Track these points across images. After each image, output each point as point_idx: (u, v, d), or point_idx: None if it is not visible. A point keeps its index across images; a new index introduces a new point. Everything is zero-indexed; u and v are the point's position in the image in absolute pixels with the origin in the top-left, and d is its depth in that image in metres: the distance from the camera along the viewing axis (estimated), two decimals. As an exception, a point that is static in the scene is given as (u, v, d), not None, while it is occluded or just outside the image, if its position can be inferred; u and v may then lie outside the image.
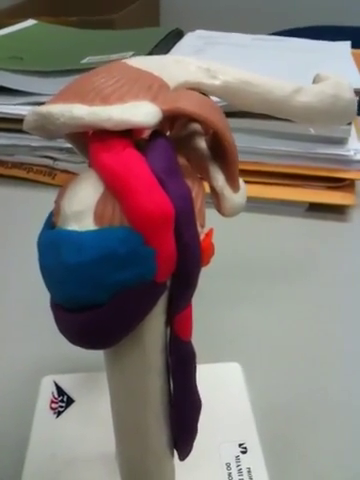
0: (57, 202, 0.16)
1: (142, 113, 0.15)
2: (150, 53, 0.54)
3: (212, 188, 0.17)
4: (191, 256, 0.15)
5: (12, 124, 0.49)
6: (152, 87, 0.16)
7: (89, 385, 0.28)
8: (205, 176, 0.18)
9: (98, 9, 1.28)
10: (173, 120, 0.19)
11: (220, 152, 0.17)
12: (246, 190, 0.18)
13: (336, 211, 0.44)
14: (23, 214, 0.46)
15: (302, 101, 0.20)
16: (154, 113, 0.15)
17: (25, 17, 0.72)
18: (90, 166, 0.16)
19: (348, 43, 0.60)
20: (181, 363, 0.17)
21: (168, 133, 0.19)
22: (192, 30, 0.66)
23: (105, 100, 0.15)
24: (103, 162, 0.14)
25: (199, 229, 0.16)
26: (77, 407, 0.27)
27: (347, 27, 0.99)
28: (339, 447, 0.26)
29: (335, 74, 0.23)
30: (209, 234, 0.16)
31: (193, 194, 0.16)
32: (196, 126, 0.18)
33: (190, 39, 0.63)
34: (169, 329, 0.17)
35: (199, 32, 0.65)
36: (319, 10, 1.42)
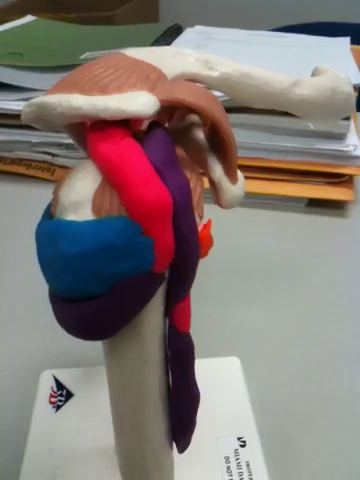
0: (55, 193, 0.16)
1: (139, 103, 0.15)
2: (149, 49, 0.53)
3: (210, 179, 0.17)
4: (189, 247, 0.15)
5: (11, 120, 0.49)
6: (150, 77, 0.16)
7: (88, 379, 0.28)
8: (203, 167, 0.17)
9: (97, 5, 1.28)
10: (171, 111, 0.19)
11: (218, 143, 0.17)
12: (244, 182, 0.18)
13: (335, 206, 0.44)
14: (22, 210, 0.46)
15: (300, 94, 0.20)
16: (151, 103, 0.15)
17: (24, 14, 0.72)
18: (88, 157, 0.16)
19: (347, 39, 0.60)
20: (179, 355, 0.17)
21: (166, 124, 0.19)
22: (191, 26, 0.66)
23: (103, 90, 0.15)
24: (101, 152, 0.14)
25: (197, 220, 0.16)
26: (76, 401, 0.27)
27: (346, 24, 0.99)
28: (337, 441, 0.26)
29: (334, 67, 0.23)
30: (207, 225, 0.16)
31: (191, 185, 0.16)
32: (194, 117, 0.18)
33: (189, 35, 0.62)
34: (167, 321, 0.17)
35: (198, 28, 0.65)
36: (318, 7, 1.42)
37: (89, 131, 0.15)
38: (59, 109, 0.15)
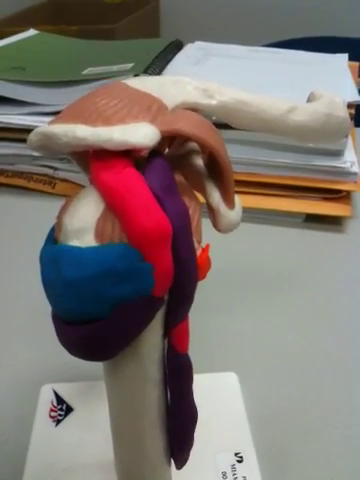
0: (59, 218, 0.16)
1: (141, 134, 0.15)
2: (151, 64, 0.54)
3: (208, 204, 0.18)
4: (187, 272, 0.16)
5: (13, 134, 0.49)
6: (151, 108, 0.16)
7: (88, 394, 0.29)
8: (202, 193, 0.18)
9: (99, 18, 1.30)
10: (171, 138, 0.19)
11: (216, 170, 0.17)
12: (241, 207, 0.18)
13: (332, 222, 0.45)
14: (24, 223, 0.46)
15: (296, 120, 0.20)
16: (153, 134, 0.15)
17: (26, 26, 0.73)
18: (91, 183, 0.16)
19: (345, 56, 0.61)
20: (178, 374, 0.18)
21: (167, 150, 0.20)
22: (191, 40, 0.67)
23: (107, 121, 0.16)
24: (103, 181, 0.15)
25: (196, 245, 0.16)
26: (76, 415, 0.27)
27: (344, 38, 1.00)
28: (334, 456, 0.26)
29: (329, 92, 0.23)
30: (205, 249, 0.17)
31: (190, 211, 0.16)
32: (193, 145, 0.19)
33: (189, 50, 0.63)
34: (166, 341, 0.17)
35: (198, 43, 0.66)
36: (317, 21, 1.44)
37: (92, 159, 0.16)
38: (64, 139, 0.15)
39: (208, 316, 0.35)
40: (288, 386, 0.30)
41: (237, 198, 0.18)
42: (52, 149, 0.16)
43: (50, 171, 0.51)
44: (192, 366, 0.18)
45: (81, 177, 0.49)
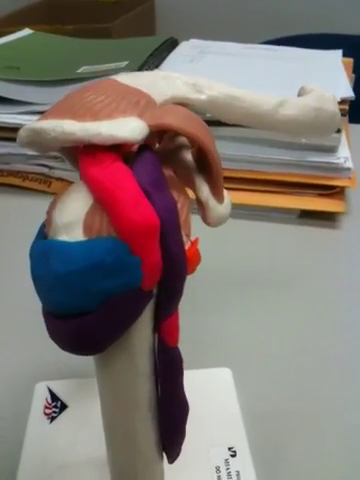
0: (49, 213, 0.16)
1: (129, 129, 0.15)
2: (145, 62, 0.54)
3: (198, 199, 0.18)
4: (176, 265, 0.16)
5: (8, 133, 0.49)
6: (139, 103, 0.16)
7: (82, 391, 0.29)
8: (191, 187, 0.18)
9: (94, 18, 1.30)
10: (161, 133, 0.19)
11: (205, 165, 0.17)
12: (230, 201, 0.18)
13: (327, 218, 0.45)
14: (19, 222, 0.46)
15: (286, 114, 0.20)
16: (140, 129, 0.15)
17: (21, 25, 0.73)
18: (80, 178, 0.16)
19: (339, 52, 0.61)
20: (168, 368, 0.18)
21: (157, 145, 0.20)
22: (187, 38, 0.67)
23: (95, 116, 0.16)
24: (92, 176, 0.15)
25: (185, 239, 0.17)
26: (70, 413, 0.27)
27: (338, 35, 1.00)
28: (326, 451, 0.26)
29: (319, 87, 0.23)
30: (194, 243, 0.17)
31: (178, 205, 0.16)
32: (183, 140, 0.19)
33: (184, 48, 0.63)
34: (156, 335, 0.17)
35: (193, 41, 0.66)
36: (313, 18, 1.44)
37: (81, 155, 0.16)
38: (53, 134, 0.16)
39: (203, 312, 0.35)
40: (282, 381, 0.30)
41: (226, 192, 0.18)
42: (41, 145, 0.17)
43: (45, 170, 0.51)
44: (182, 359, 0.18)
45: (76, 176, 0.49)
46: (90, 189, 0.15)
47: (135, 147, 0.17)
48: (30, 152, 0.50)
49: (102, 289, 0.15)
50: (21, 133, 0.17)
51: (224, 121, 0.20)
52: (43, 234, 0.16)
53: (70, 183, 0.50)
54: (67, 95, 0.17)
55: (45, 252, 0.15)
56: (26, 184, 0.51)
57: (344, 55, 0.60)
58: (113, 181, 0.15)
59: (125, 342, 0.16)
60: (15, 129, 0.50)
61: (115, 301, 0.15)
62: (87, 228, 0.15)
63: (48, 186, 0.51)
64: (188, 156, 0.18)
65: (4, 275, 0.40)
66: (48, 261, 0.15)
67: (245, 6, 1.57)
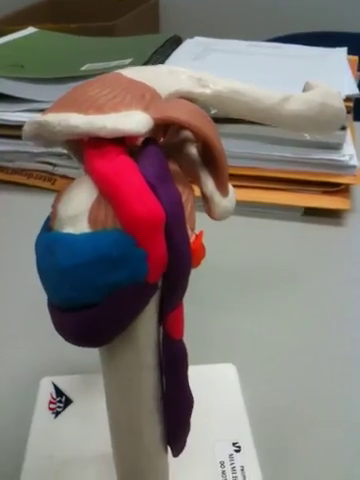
0: (54, 206, 0.16)
1: (134, 121, 0.15)
2: (149, 60, 0.54)
3: (202, 193, 0.18)
4: (181, 258, 0.16)
5: (13, 131, 0.49)
6: (144, 97, 0.17)
7: (87, 386, 0.29)
8: (196, 181, 0.18)
9: (98, 16, 1.30)
10: (166, 127, 0.19)
11: (210, 159, 0.17)
12: (235, 195, 0.18)
13: (331, 215, 0.45)
14: (23, 219, 0.47)
15: (290, 109, 0.20)
16: (145, 122, 0.15)
17: (26, 24, 0.73)
18: (85, 171, 0.16)
19: (344, 49, 0.61)
20: (173, 361, 0.18)
21: (162, 139, 0.20)
22: (191, 36, 0.67)
23: (100, 109, 0.16)
24: (97, 169, 0.15)
25: (189, 232, 0.17)
26: (75, 408, 0.27)
27: (344, 33, 1.00)
28: (331, 447, 0.26)
29: (324, 82, 0.23)
30: (199, 236, 0.17)
31: (183, 199, 0.16)
32: (187, 133, 0.19)
33: (188, 46, 0.63)
34: (161, 328, 0.17)
35: (197, 39, 0.66)
36: (317, 16, 1.44)
37: (86, 148, 0.16)
38: (58, 127, 0.16)
39: (207, 308, 0.35)
40: (286, 377, 0.30)
41: (231, 186, 0.18)
42: (46, 138, 0.17)
43: (50, 168, 0.51)
44: (187, 353, 0.18)
45: (80, 173, 0.49)
46: (95, 182, 0.15)
47: (140, 141, 0.18)
48: (34, 150, 0.50)
49: (107, 282, 0.15)
50: (26, 127, 0.17)
51: (229, 116, 0.20)
52: (48, 227, 0.16)
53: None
54: (72, 89, 0.17)
55: (50, 244, 0.15)
56: (30, 182, 0.52)
57: (349, 53, 0.60)
58: (118, 174, 0.15)
59: (130, 335, 0.16)
60: (19, 127, 0.50)
61: (120, 294, 0.15)
62: (92, 220, 0.15)
63: (52, 183, 0.51)
64: (193, 150, 0.19)
65: (9, 271, 0.40)
66: (53, 253, 0.15)
67: (249, 3, 1.57)
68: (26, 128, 0.17)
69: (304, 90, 0.24)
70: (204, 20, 1.55)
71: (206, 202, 0.18)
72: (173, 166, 0.18)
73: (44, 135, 0.16)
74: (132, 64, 0.52)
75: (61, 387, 0.28)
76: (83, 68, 0.54)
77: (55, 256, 0.15)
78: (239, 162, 0.45)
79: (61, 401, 0.28)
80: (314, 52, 0.61)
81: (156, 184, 0.15)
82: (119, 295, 0.15)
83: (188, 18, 1.57)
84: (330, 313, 0.35)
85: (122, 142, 0.16)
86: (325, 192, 0.45)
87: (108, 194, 0.15)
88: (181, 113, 0.16)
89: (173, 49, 0.61)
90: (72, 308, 0.16)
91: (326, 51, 0.61)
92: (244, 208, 0.45)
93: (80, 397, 0.28)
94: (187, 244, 0.16)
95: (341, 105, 0.23)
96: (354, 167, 0.44)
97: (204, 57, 0.58)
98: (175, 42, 0.64)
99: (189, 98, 0.19)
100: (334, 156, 0.44)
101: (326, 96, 0.22)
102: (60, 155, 0.50)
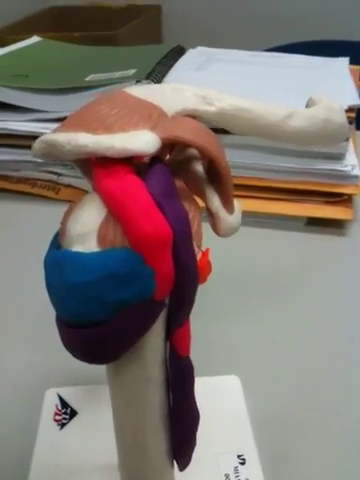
0: (63, 224, 0.17)
1: (142, 142, 0.16)
2: (152, 70, 0.55)
3: (208, 209, 0.18)
4: (188, 275, 0.16)
5: (17, 140, 0.50)
6: (152, 116, 0.17)
7: (92, 397, 0.29)
8: (202, 198, 0.19)
9: (101, 25, 1.31)
10: (172, 145, 0.20)
11: (215, 176, 0.18)
12: (241, 211, 0.19)
13: (334, 225, 0.45)
14: (28, 228, 0.47)
15: (294, 126, 0.21)
16: (153, 141, 0.16)
17: (28, 33, 0.73)
18: (94, 189, 0.17)
19: (346, 59, 0.62)
20: (180, 377, 0.18)
21: (168, 156, 0.20)
22: (194, 46, 0.67)
23: (108, 129, 0.16)
24: (105, 188, 0.15)
25: (196, 249, 0.17)
26: (80, 419, 0.28)
27: (345, 42, 1.00)
28: (336, 459, 0.26)
29: (327, 97, 0.24)
30: (205, 253, 0.17)
31: (190, 216, 0.17)
32: (193, 151, 0.19)
33: (191, 56, 0.64)
34: (168, 344, 0.18)
35: (200, 49, 0.67)
36: (319, 25, 1.44)
37: (94, 166, 0.16)
38: (67, 147, 0.16)
39: (210, 320, 0.35)
40: (290, 389, 0.30)
41: (236, 203, 0.18)
42: (56, 156, 0.17)
43: (54, 177, 0.52)
44: (193, 369, 0.18)
45: (84, 183, 0.49)
46: (103, 201, 0.16)
47: (147, 159, 0.18)
48: (39, 160, 0.50)
49: (116, 299, 0.15)
50: (36, 145, 0.17)
51: (233, 132, 0.21)
52: (57, 244, 0.17)
53: (78, 190, 0.50)
54: (81, 108, 0.18)
55: (59, 262, 0.16)
56: (35, 191, 0.52)
57: (351, 62, 0.60)
58: (126, 193, 0.15)
59: (137, 351, 0.17)
60: (24, 137, 0.51)
61: (128, 311, 0.15)
62: (101, 239, 0.15)
63: (56, 193, 0.52)
64: (198, 167, 0.19)
65: (14, 281, 0.40)
66: (62, 271, 0.15)
67: (252, 13, 1.58)
68: (36, 146, 0.17)
69: (307, 106, 0.24)
70: (206, 30, 1.55)
71: (212, 219, 0.18)
72: (179, 183, 0.18)
73: (54, 154, 0.17)
74: (136, 74, 0.52)
75: (66, 399, 0.29)
76: (87, 79, 0.54)
77: (64, 274, 0.15)
78: (242, 172, 0.46)
79: (66, 413, 0.28)
80: (316, 62, 0.61)
81: (163, 202, 0.15)
82: (126, 312, 0.15)
83: (190, 28, 1.58)
84: (334, 323, 0.35)
85: (130, 160, 0.16)
86: (328, 202, 0.45)
87: (116, 213, 0.15)
88: (187, 132, 0.17)
89: (176, 59, 0.61)
90: (80, 324, 0.16)
91: (328, 61, 0.61)
92: (247, 218, 0.45)
93: (85, 409, 0.28)
94: (194, 261, 0.16)
95: (344, 120, 0.23)
96: (356, 177, 0.45)
97: (207, 67, 0.59)
98: (178, 52, 0.64)
99: (194, 115, 0.19)
100: (337, 166, 0.44)
101: (329, 111, 0.23)
102: (65, 165, 0.50)
